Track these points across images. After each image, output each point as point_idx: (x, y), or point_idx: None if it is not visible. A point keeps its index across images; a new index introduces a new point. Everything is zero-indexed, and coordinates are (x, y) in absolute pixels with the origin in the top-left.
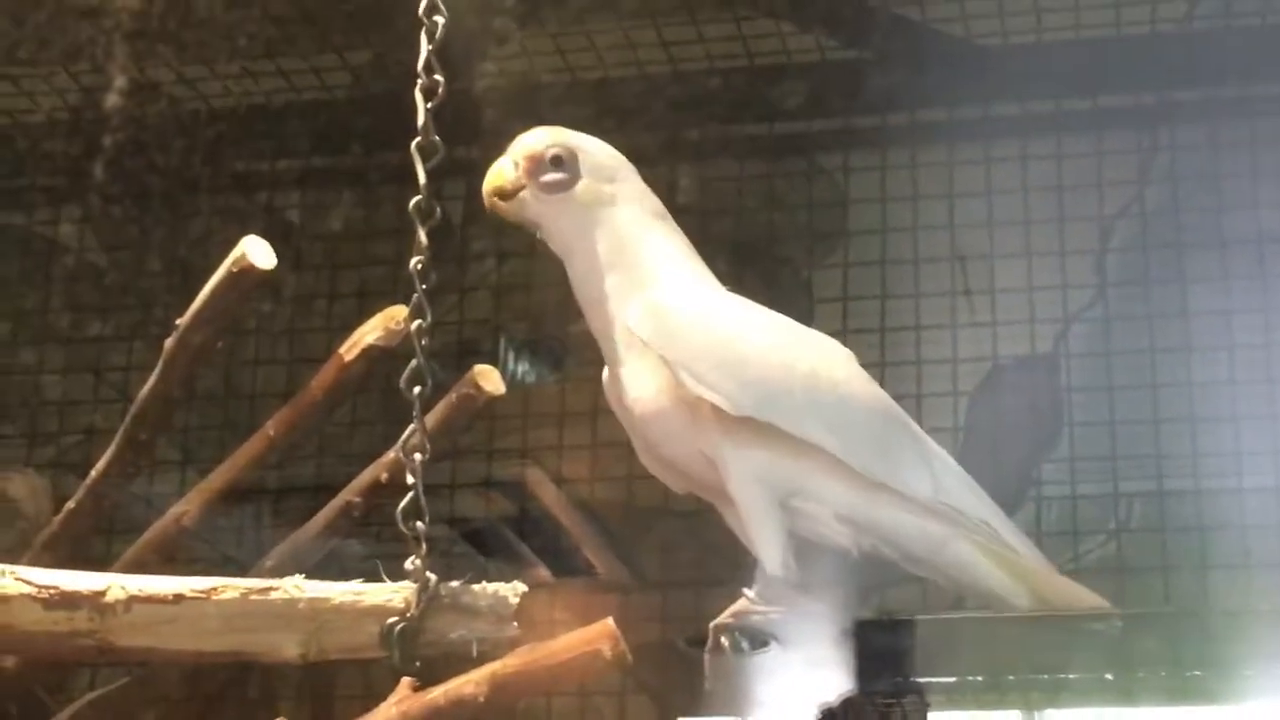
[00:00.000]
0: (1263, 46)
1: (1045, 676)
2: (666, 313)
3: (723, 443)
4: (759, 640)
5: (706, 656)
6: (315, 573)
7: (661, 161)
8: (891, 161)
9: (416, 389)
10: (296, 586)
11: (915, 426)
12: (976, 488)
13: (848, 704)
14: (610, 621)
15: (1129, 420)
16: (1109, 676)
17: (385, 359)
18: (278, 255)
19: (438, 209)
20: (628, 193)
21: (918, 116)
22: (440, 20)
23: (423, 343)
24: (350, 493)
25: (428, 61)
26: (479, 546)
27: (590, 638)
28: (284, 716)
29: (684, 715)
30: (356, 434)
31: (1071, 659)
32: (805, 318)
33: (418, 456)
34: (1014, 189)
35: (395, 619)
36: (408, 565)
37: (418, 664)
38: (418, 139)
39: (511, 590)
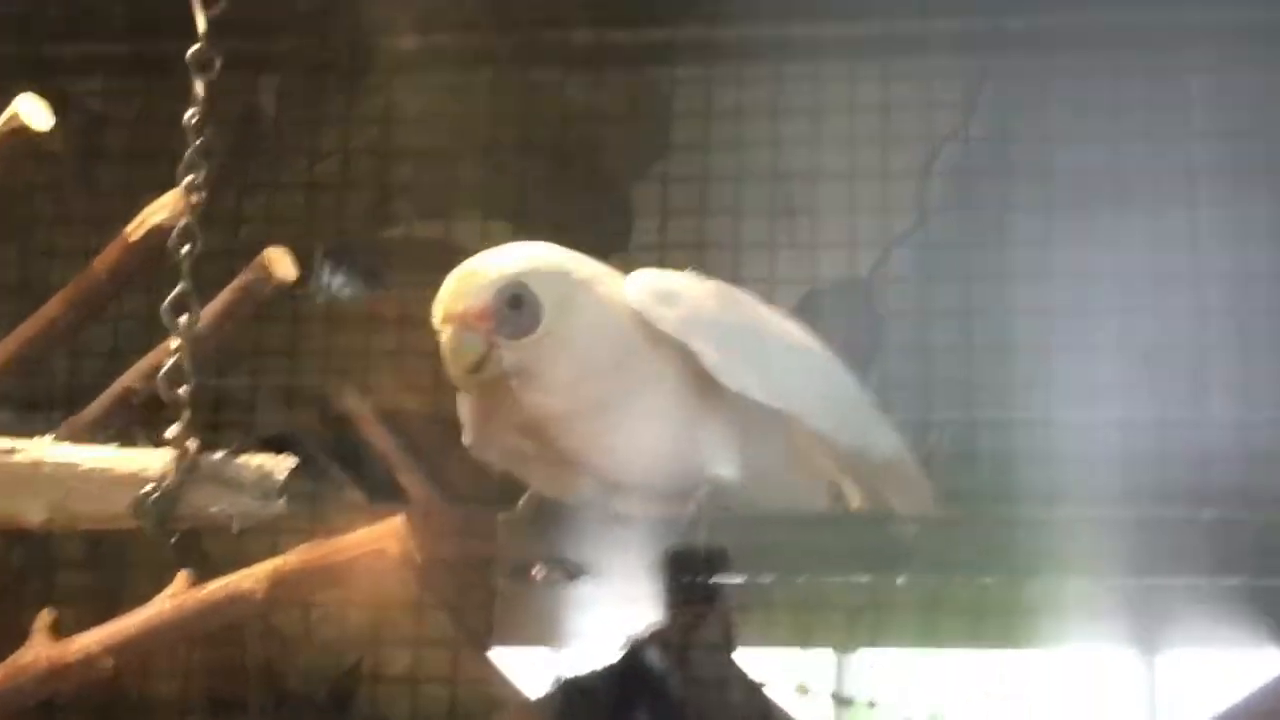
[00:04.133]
0: None
1: (838, 579)
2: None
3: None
4: (574, 572)
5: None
6: None
7: (485, 65)
8: (717, 75)
9: (185, 247)
10: (42, 449)
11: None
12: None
13: (656, 634)
14: (400, 519)
15: (943, 348)
16: (900, 581)
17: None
18: (78, 145)
19: (216, 61)
20: (586, 278)
21: (746, 31)
22: None
23: (193, 199)
24: (130, 378)
25: None
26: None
27: (377, 535)
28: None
29: (498, 644)
30: (154, 329)
31: (867, 560)
32: (623, 232)
33: (183, 319)
34: (840, 109)
35: (149, 488)
36: (168, 433)
37: (173, 537)
38: None
39: (278, 464)
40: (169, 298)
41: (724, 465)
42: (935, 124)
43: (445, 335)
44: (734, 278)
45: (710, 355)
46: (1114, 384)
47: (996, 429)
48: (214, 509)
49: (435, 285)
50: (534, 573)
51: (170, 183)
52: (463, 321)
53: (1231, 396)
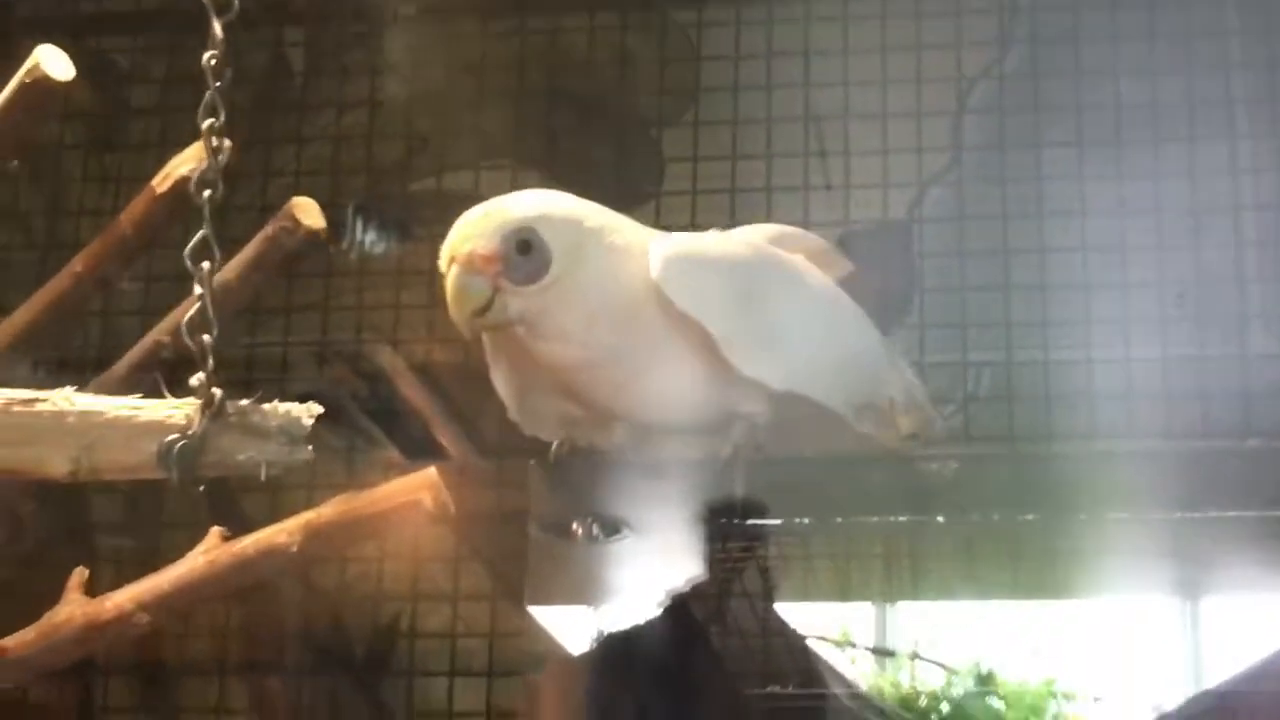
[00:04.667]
0: None
1: (876, 519)
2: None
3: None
4: (612, 528)
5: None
6: None
7: (508, 13)
8: (746, 17)
9: (206, 192)
10: (66, 399)
11: (879, 342)
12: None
13: (695, 588)
14: (433, 470)
15: (980, 287)
16: (940, 519)
17: None
18: (107, 102)
19: (235, 2)
20: (597, 226)
21: None
22: None
23: (214, 144)
24: (160, 332)
25: None
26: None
27: (411, 487)
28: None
29: (534, 603)
30: (184, 287)
31: (906, 500)
32: (655, 177)
33: (205, 265)
34: (871, 49)
35: (174, 436)
36: (192, 381)
37: (200, 486)
38: None
39: (305, 411)
40: (189, 244)
41: (754, 403)
42: (966, 61)
43: (450, 278)
44: (767, 220)
45: (724, 339)
46: (1153, 320)
47: (1035, 368)
48: (241, 457)
49: None
50: (573, 528)
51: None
52: (468, 264)
53: (1272, 331)
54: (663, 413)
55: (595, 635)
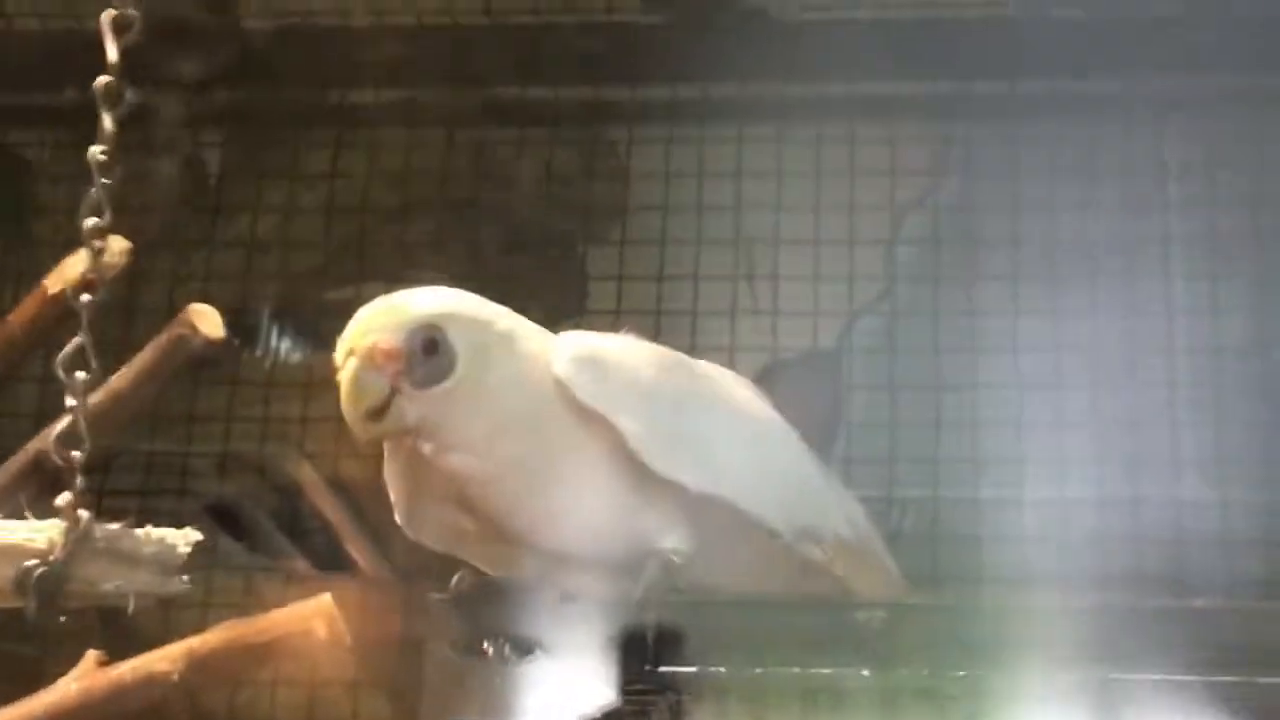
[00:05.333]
0: (1073, 42)
1: (797, 670)
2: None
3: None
4: (525, 647)
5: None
6: None
7: (435, 124)
8: (677, 135)
9: (85, 296)
10: None
11: (817, 465)
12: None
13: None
14: (329, 597)
15: (910, 423)
16: (866, 673)
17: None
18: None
19: (126, 93)
20: (506, 330)
21: (708, 90)
22: None
23: (96, 245)
24: (44, 440)
25: None
26: (226, 527)
27: (305, 614)
28: None
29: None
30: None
31: (829, 650)
32: (579, 296)
33: (80, 375)
34: (805, 172)
35: (34, 562)
36: (58, 501)
37: (61, 618)
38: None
39: (182, 537)
40: (63, 351)
41: (671, 537)
42: (901, 189)
43: (346, 372)
44: (692, 345)
45: (635, 435)
46: (1086, 460)
47: (964, 507)
48: (108, 586)
49: None
50: (484, 648)
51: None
52: (368, 358)
53: (1206, 475)
54: (568, 537)
55: None
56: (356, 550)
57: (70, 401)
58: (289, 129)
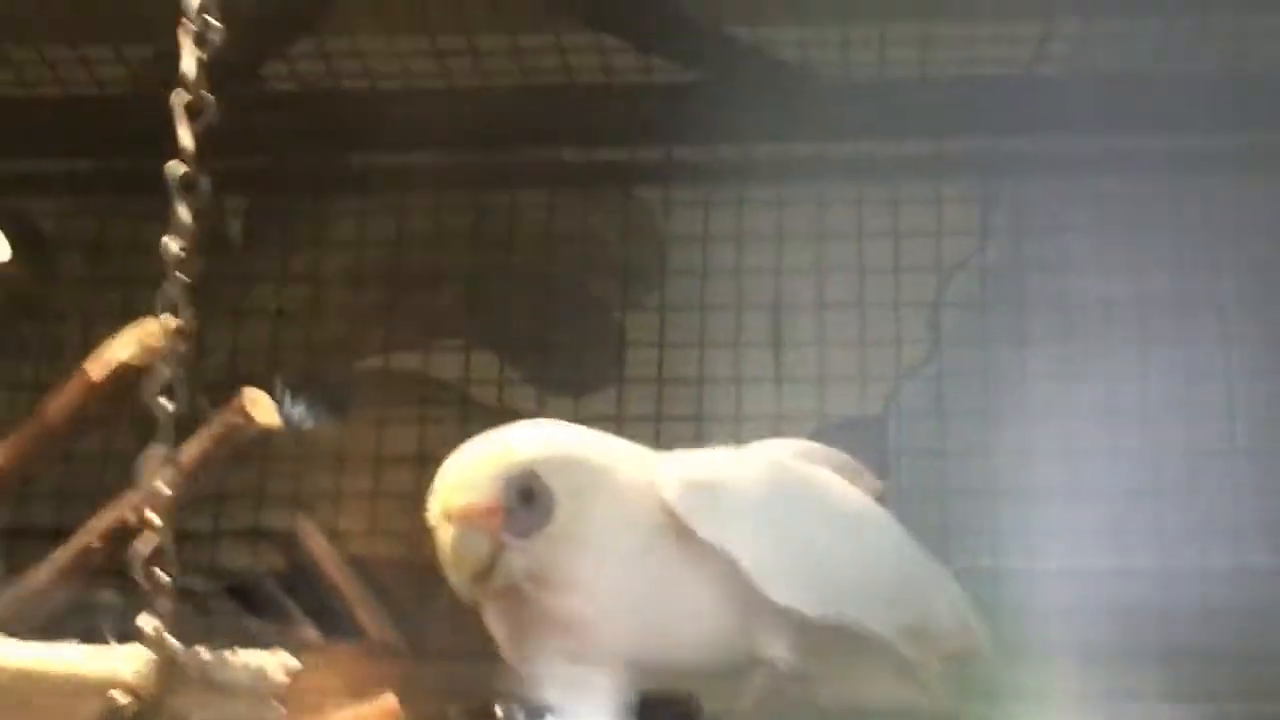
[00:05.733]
0: (1115, 97)
1: None
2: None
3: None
4: (536, 713)
5: None
6: (52, 634)
7: (466, 185)
8: (716, 198)
9: (166, 402)
10: None
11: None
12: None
13: None
14: (391, 697)
15: (961, 490)
16: None
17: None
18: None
19: (204, 181)
20: (603, 465)
21: (746, 150)
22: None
23: (180, 348)
24: (90, 534)
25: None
26: (241, 602)
27: (371, 715)
28: None
29: None
30: (108, 469)
31: None
32: (616, 363)
33: (165, 490)
34: (848, 234)
35: (123, 698)
36: (142, 625)
37: None
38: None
39: (277, 663)
40: (144, 457)
41: (781, 642)
42: (947, 250)
43: (446, 536)
44: (736, 412)
45: (754, 568)
46: (1141, 530)
47: (1017, 578)
48: (201, 718)
49: (413, 419)
50: (496, 712)
51: (129, 310)
52: (466, 519)
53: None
54: (679, 661)
55: None
56: (368, 620)
57: (155, 520)
58: (313, 194)
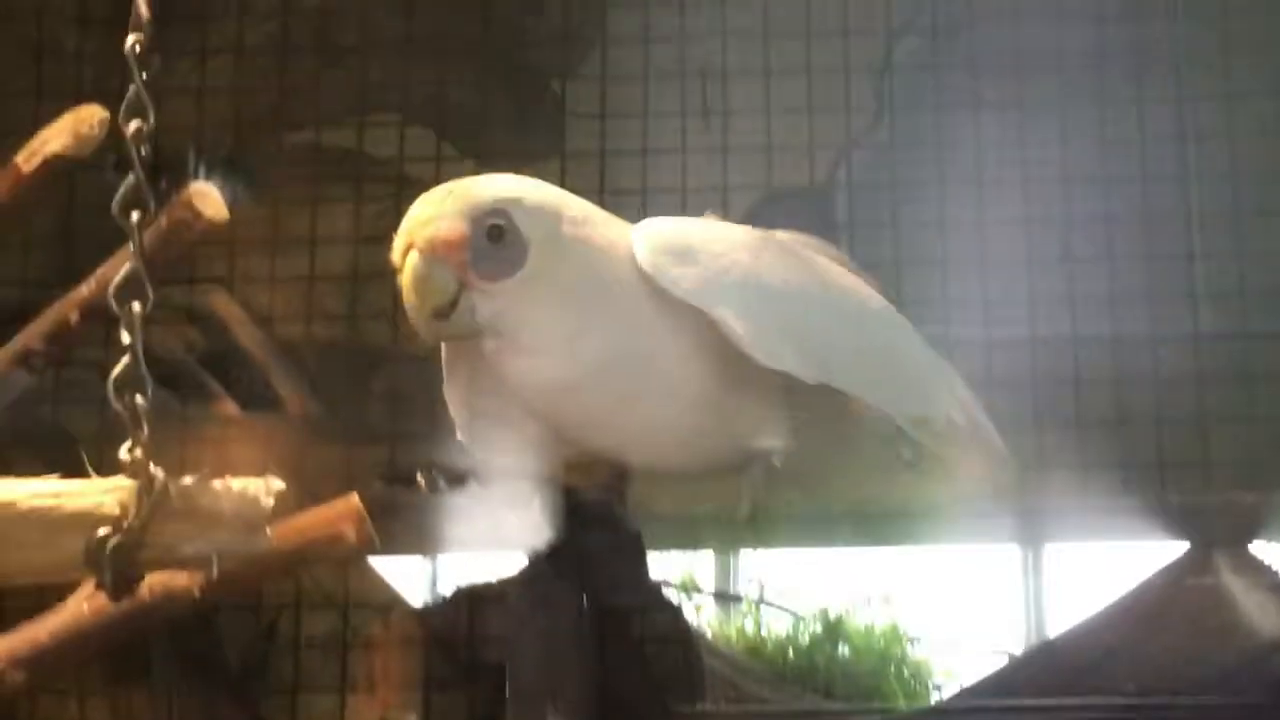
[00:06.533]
0: None
1: None
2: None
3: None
4: (458, 478)
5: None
6: None
7: None
8: None
9: (135, 214)
10: None
11: (926, 346)
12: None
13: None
14: (355, 499)
15: (914, 261)
16: None
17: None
18: None
19: None
20: (579, 216)
21: None
22: None
23: (142, 152)
24: (30, 337)
25: None
26: (165, 383)
27: (331, 518)
28: None
29: (371, 555)
30: (31, 259)
31: None
32: (556, 135)
33: (135, 306)
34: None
35: (107, 530)
36: (123, 454)
37: (136, 587)
38: None
39: (264, 488)
40: (117, 279)
41: (769, 435)
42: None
43: (408, 267)
44: (681, 184)
45: (735, 325)
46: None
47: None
48: (187, 549)
49: (348, 197)
50: (418, 478)
51: (42, 89)
52: (430, 250)
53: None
54: (662, 449)
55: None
56: (285, 388)
57: (125, 338)
58: None
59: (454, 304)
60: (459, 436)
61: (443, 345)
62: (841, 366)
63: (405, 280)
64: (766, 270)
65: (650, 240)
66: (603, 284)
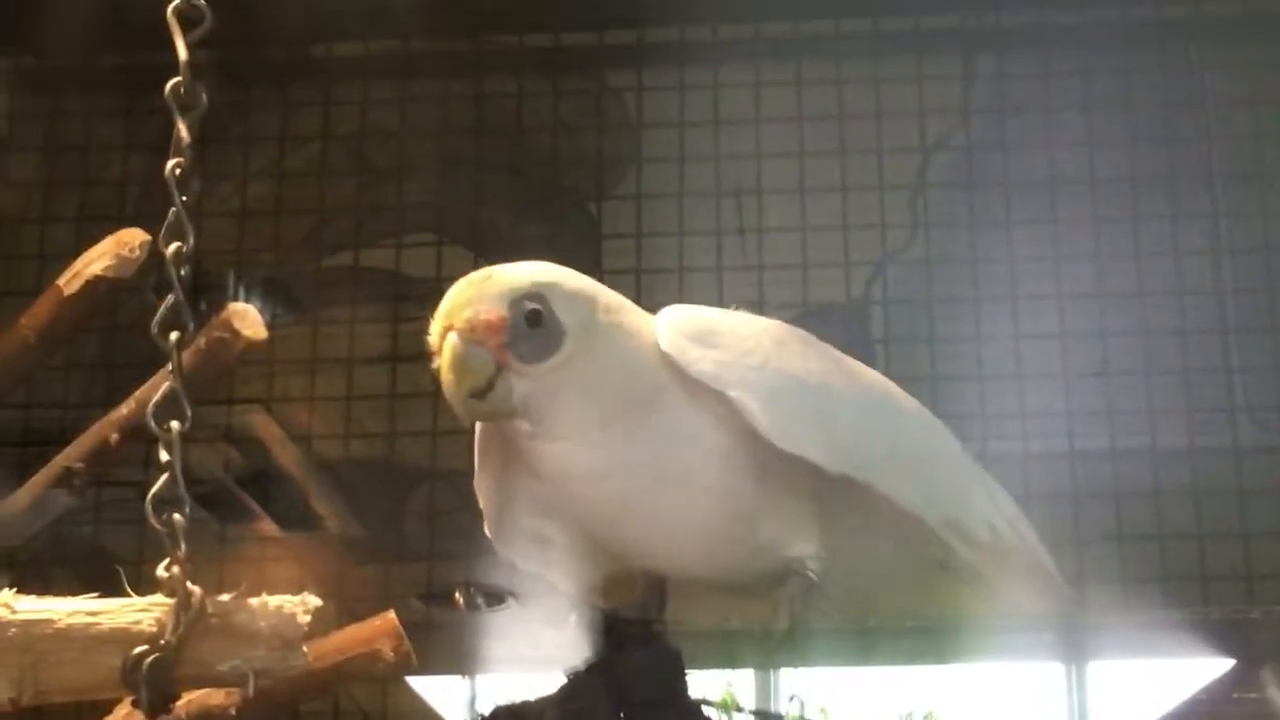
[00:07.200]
0: None
1: None
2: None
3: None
4: (495, 598)
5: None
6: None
7: (434, 75)
8: (691, 81)
9: (174, 334)
10: (4, 604)
11: (965, 453)
12: (1020, 517)
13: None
14: (393, 617)
15: (950, 376)
16: None
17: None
18: None
19: (203, 95)
20: (611, 304)
21: (720, 32)
22: None
23: (181, 273)
24: (70, 457)
25: None
26: (204, 504)
27: (369, 636)
28: None
29: (408, 673)
30: (73, 380)
31: None
32: (593, 254)
33: (174, 425)
34: (829, 115)
35: (144, 647)
36: (160, 572)
37: (173, 705)
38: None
39: (301, 605)
40: (155, 399)
41: (801, 542)
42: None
43: (447, 348)
44: (719, 300)
45: (753, 406)
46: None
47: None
48: (224, 667)
49: (385, 318)
50: (456, 597)
51: (85, 214)
52: (470, 331)
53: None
54: (685, 548)
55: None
56: (327, 512)
57: (164, 457)
58: (275, 87)
59: (491, 385)
60: (487, 531)
61: (476, 437)
62: (866, 458)
63: (444, 361)
64: (790, 356)
65: (673, 324)
66: (632, 371)
